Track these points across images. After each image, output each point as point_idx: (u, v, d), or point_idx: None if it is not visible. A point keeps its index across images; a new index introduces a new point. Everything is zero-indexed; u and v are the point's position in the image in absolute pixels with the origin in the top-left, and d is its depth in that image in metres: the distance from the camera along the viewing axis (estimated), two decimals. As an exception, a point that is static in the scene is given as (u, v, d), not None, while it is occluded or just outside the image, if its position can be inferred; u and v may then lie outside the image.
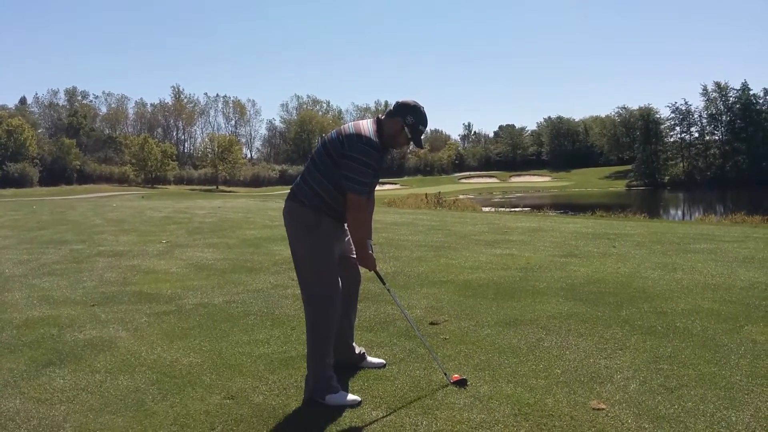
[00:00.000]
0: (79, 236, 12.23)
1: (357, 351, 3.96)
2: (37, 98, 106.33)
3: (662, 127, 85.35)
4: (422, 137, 3.63)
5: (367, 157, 3.37)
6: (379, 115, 3.60)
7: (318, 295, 3.51)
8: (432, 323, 4.94)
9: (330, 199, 3.47)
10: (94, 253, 9.51)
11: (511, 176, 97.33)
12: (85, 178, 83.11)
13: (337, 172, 3.41)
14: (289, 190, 3.65)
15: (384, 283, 3.94)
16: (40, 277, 7.44)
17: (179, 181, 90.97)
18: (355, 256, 3.80)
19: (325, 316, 3.49)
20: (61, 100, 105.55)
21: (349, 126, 3.51)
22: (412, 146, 3.71)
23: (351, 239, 3.73)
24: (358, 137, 3.40)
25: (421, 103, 3.58)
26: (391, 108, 3.59)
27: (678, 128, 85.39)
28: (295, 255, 3.61)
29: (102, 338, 4.71)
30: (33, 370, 4.01)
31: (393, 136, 3.55)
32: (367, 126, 3.49)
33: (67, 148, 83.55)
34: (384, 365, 3.97)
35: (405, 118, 3.51)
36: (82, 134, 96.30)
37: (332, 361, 3.54)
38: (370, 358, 4.00)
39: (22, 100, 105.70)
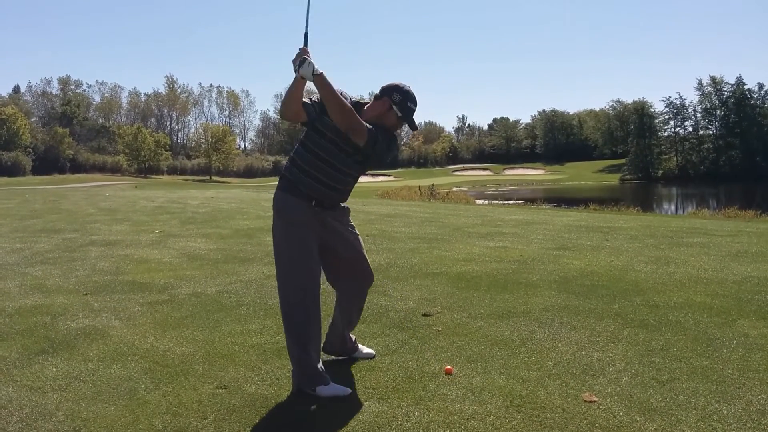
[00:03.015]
0: (71, 225, 12.16)
1: (352, 340, 3.95)
2: (30, 87, 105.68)
3: (656, 121, 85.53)
4: (415, 119, 3.56)
5: None
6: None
7: (289, 283, 3.44)
8: (425, 315, 4.95)
9: (300, 160, 3.43)
10: (87, 242, 9.46)
11: (504, 169, 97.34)
12: (78, 167, 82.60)
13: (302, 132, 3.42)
14: None
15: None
16: (33, 265, 7.40)
17: (172, 171, 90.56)
18: (364, 251, 3.73)
19: (302, 304, 3.42)
20: (55, 89, 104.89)
21: None
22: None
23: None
24: None
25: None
26: (377, 92, 3.54)
27: (672, 122, 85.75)
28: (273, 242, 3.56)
29: (95, 327, 4.69)
30: (25, 359, 3.99)
31: (382, 115, 3.47)
32: None
33: (60, 137, 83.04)
34: (374, 356, 3.97)
35: (391, 96, 3.46)
36: (76, 123, 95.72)
37: (318, 352, 3.50)
38: (361, 347, 4.00)
39: (15, 89, 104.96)
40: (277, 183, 3.56)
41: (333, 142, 3.39)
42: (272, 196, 3.57)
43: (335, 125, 3.31)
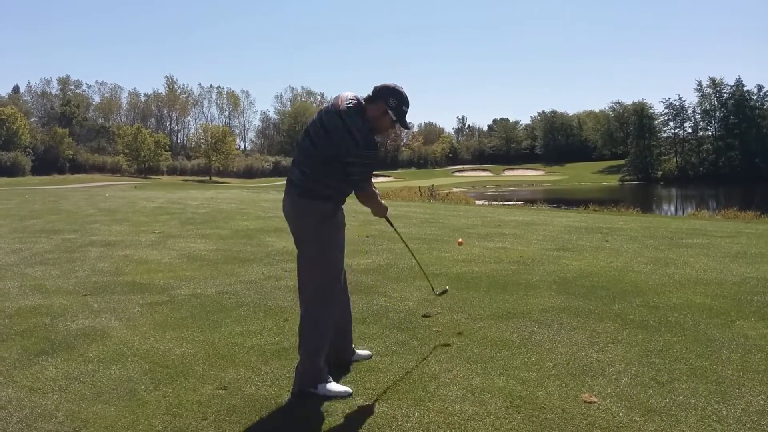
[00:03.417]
0: (71, 226, 12.16)
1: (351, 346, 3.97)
2: (30, 87, 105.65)
3: (656, 122, 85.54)
4: (407, 119, 3.58)
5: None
6: (361, 101, 3.53)
7: (327, 287, 3.49)
8: (425, 315, 4.95)
9: (336, 185, 3.50)
10: (87, 243, 9.46)
11: (504, 170, 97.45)
12: (77, 167, 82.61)
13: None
14: (287, 183, 3.58)
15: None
16: (33, 266, 7.40)
17: (172, 171, 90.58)
18: None
19: (331, 308, 3.50)
20: (54, 89, 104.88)
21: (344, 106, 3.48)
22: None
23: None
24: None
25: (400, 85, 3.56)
26: (371, 93, 3.52)
27: (671, 123, 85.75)
28: (307, 246, 3.54)
29: (94, 328, 4.70)
30: (25, 359, 4.00)
31: (377, 119, 3.48)
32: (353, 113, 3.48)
33: (59, 138, 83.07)
34: (370, 356, 3.98)
35: (387, 102, 3.46)
36: (75, 124, 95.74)
37: (326, 352, 3.53)
38: (358, 351, 3.99)
39: (15, 89, 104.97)
40: (309, 194, 3.49)
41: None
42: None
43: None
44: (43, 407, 3.23)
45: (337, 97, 3.55)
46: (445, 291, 4.79)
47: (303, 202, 3.48)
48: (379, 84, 3.54)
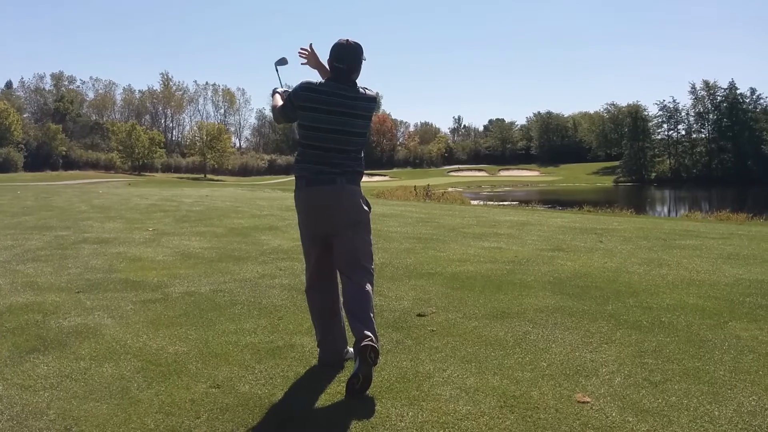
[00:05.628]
0: (64, 222, 12.10)
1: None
2: (23, 82, 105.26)
3: (650, 124, 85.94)
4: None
5: None
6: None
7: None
8: (419, 315, 4.94)
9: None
10: (80, 240, 9.42)
11: (499, 170, 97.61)
12: (70, 164, 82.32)
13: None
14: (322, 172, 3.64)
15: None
16: (25, 263, 7.36)
17: (167, 168, 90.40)
18: None
19: None
20: (48, 84, 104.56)
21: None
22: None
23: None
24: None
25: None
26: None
27: (666, 126, 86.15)
28: (364, 231, 3.78)
29: (87, 325, 4.67)
30: (16, 357, 3.97)
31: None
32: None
33: (52, 134, 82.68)
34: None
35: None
36: (69, 120, 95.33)
37: None
38: (351, 348, 3.97)
39: (8, 84, 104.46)
40: (355, 179, 3.72)
41: None
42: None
43: None
44: (34, 405, 3.21)
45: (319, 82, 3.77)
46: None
47: (353, 188, 3.67)
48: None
